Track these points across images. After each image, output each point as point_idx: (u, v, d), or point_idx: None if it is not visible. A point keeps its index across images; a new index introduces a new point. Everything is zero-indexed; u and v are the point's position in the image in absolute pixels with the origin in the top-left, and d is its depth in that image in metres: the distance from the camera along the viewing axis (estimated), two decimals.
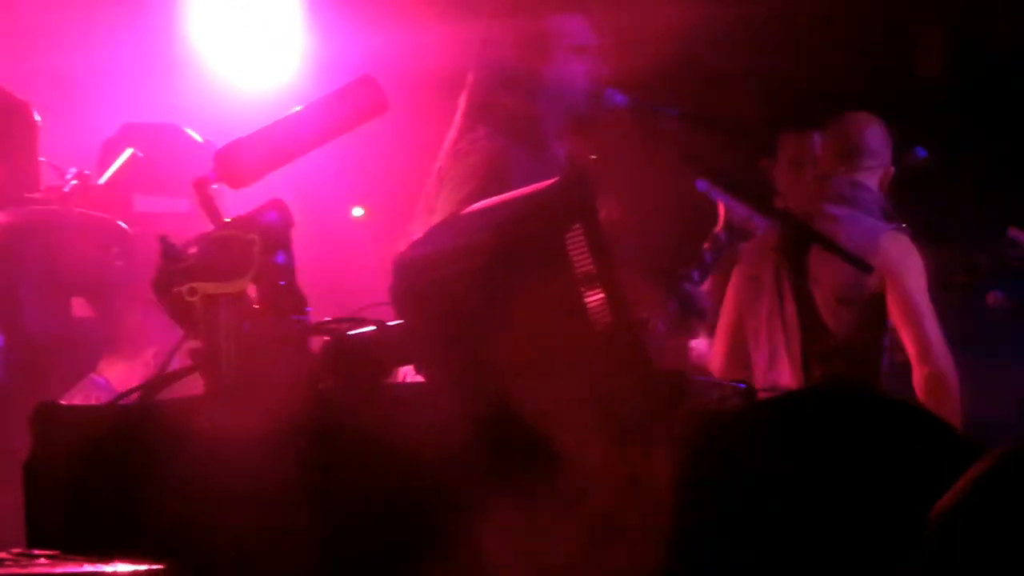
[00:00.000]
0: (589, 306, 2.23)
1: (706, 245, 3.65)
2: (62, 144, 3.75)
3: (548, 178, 2.69)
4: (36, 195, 3.56)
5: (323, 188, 4.72)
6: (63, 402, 2.48)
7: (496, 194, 2.56)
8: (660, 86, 3.94)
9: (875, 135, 4.66)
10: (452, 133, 3.51)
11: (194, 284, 2.25)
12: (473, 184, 3.30)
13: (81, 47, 4.82)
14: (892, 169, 4.66)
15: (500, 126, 3.45)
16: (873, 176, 4.64)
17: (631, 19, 3.69)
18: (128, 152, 3.27)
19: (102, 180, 3.41)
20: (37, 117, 3.70)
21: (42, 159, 3.60)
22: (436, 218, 3.32)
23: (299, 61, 5.45)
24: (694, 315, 3.60)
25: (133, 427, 2.24)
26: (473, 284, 2.20)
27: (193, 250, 2.29)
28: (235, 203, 2.45)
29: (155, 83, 4.86)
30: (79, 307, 3.55)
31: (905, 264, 4.47)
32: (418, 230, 3.40)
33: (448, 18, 4.26)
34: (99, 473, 2.23)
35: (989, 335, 6.04)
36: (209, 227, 2.35)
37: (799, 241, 3.51)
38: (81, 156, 3.78)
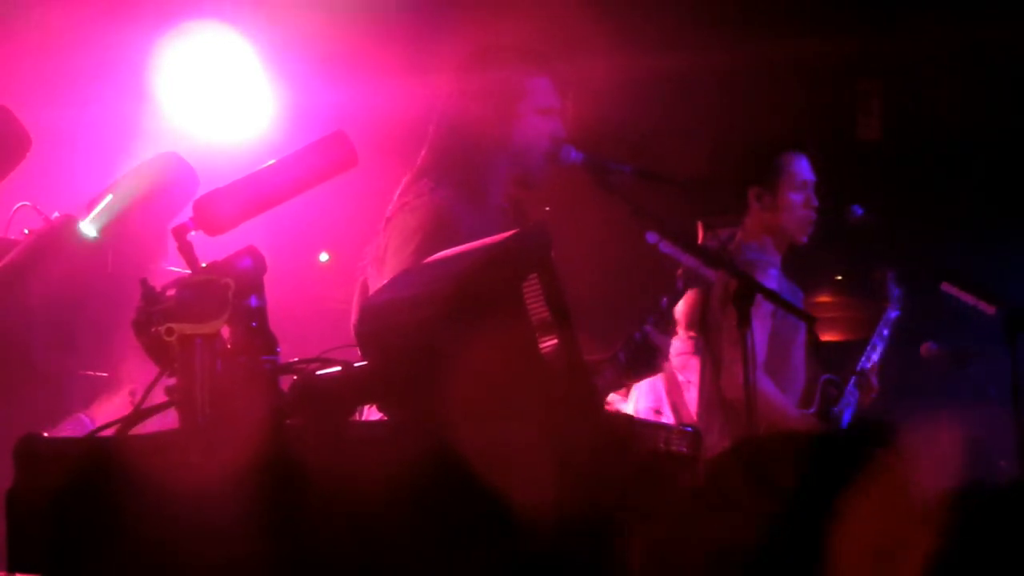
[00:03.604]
0: (544, 352, 2.32)
1: (665, 297, 3.76)
2: (39, 199, 3.81)
3: (492, 227, 2.76)
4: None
5: (293, 235, 4.82)
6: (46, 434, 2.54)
7: (442, 244, 2.63)
8: (611, 142, 4.06)
9: None
10: (402, 184, 3.59)
11: (171, 324, 2.31)
12: (420, 237, 3.38)
13: (56, 104, 4.89)
14: None
15: (446, 177, 3.51)
16: None
17: (582, 78, 3.80)
18: (108, 197, 3.35)
19: (85, 221, 3.47)
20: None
21: (27, 203, 3.66)
22: (386, 267, 3.41)
23: (271, 114, 5.56)
24: (652, 354, 3.70)
25: (110, 459, 2.28)
26: (434, 330, 2.27)
27: (171, 292, 2.36)
28: (209, 247, 2.54)
29: (129, 138, 4.93)
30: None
31: None
32: (370, 276, 3.52)
33: (414, 73, 4.37)
34: (78, 502, 2.27)
35: (925, 385, 6.21)
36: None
37: (746, 292, 3.64)
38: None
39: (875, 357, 5.18)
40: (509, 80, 3.56)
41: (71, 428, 4.31)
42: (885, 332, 5.33)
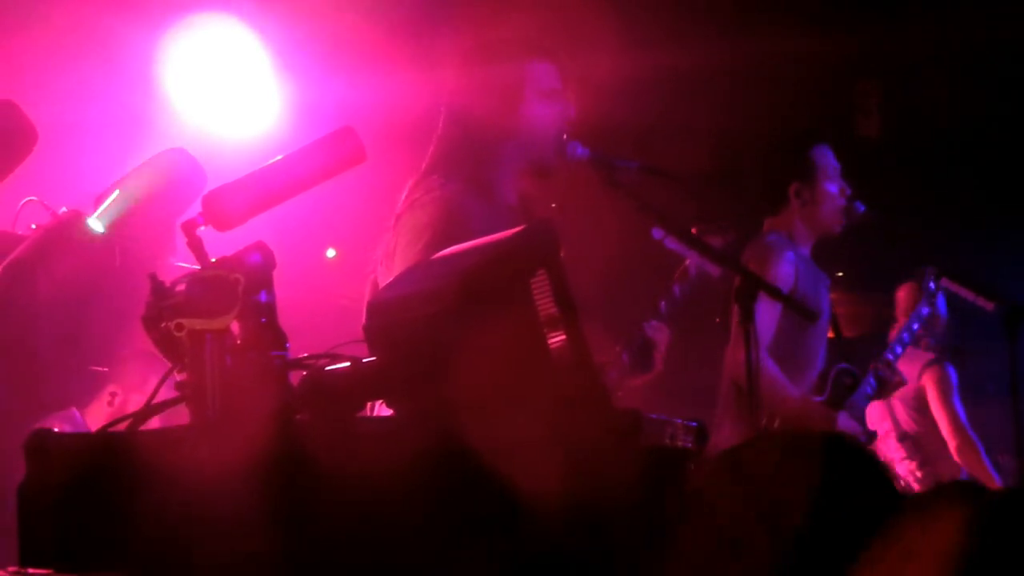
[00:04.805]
0: (551, 347, 2.33)
1: (663, 301, 3.82)
2: (46, 194, 3.82)
3: (501, 223, 2.77)
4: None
5: (300, 231, 4.83)
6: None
7: (454, 239, 2.64)
8: (613, 139, 4.08)
9: None
10: (410, 181, 3.59)
11: (181, 320, 2.33)
12: (431, 232, 3.38)
13: (62, 99, 4.91)
14: None
15: (455, 173, 3.51)
16: None
17: (585, 75, 3.82)
18: (115, 193, 3.36)
19: (93, 216, 3.48)
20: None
21: (34, 198, 3.67)
22: (396, 264, 3.41)
23: (279, 109, 5.59)
24: (650, 354, 3.73)
25: (121, 454, 2.30)
26: (441, 325, 2.29)
27: (180, 288, 2.37)
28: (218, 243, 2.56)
29: (136, 133, 4.95)
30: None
31: None
32: (380, 274, 3.52)
33: (420, 68, 4.38)
34: (89, 496, 2.29)
35: None
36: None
37: (750, 289, 3.67)
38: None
39: (899, 350, 5.26)
40: (512, 69, 3.57)
41: (61, 422, 4.32)
42: (915, 327, 5.45)
